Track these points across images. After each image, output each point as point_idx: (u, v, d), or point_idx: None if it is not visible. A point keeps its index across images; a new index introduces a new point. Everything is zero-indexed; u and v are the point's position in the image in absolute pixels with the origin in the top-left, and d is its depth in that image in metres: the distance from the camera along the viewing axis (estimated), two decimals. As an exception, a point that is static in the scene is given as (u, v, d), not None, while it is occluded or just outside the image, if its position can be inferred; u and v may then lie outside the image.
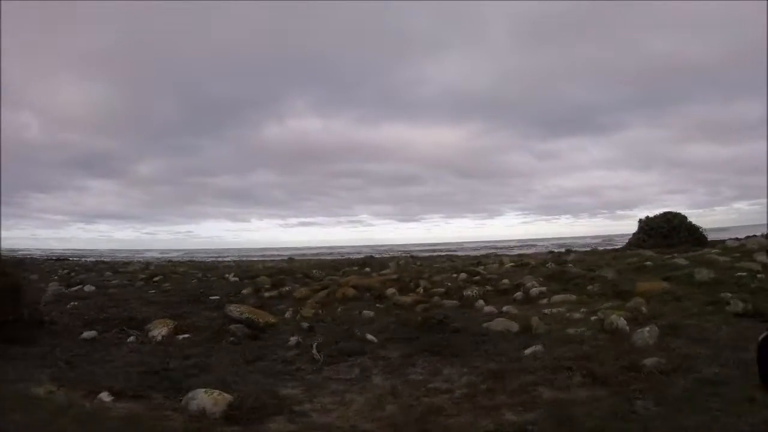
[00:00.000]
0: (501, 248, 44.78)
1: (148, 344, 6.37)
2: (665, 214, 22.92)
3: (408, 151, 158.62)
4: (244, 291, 11.20)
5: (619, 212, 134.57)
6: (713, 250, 11.99)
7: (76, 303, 9.69)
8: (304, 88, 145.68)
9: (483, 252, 33.63)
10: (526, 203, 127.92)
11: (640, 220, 23.28)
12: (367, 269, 15.26)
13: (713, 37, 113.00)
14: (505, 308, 7.89)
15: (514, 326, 6.45)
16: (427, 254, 32.53)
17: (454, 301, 8.87)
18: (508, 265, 13.49)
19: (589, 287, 8.73)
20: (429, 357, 5.38)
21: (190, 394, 3.94)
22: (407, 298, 9.16)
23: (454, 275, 11.52)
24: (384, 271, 13.89)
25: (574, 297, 8.26)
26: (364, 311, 8.19)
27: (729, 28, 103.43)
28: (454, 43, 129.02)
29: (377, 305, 8.94)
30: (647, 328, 5.52)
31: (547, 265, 12.17)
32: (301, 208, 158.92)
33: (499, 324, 6.58)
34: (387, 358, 5.51)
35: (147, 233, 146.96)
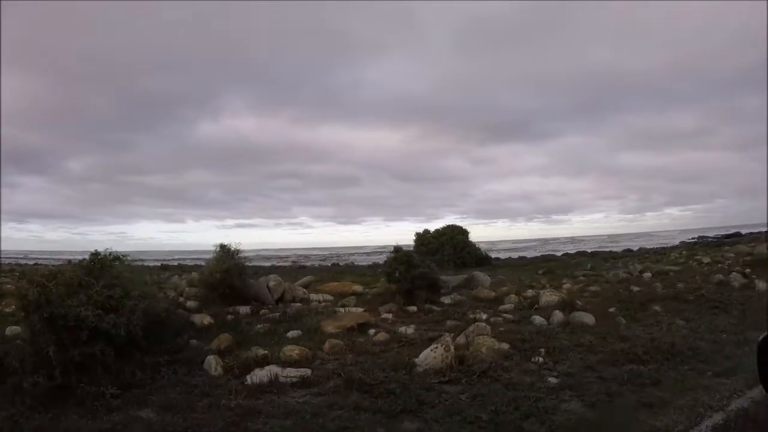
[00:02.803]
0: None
1: None
2: (446, 227, 19.68)
3: (347, 153, 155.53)
4: None
5: (555, 217, 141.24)
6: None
7: None
8: (241, 86, 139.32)
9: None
10: (464, 207, 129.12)
11: (417, 234, 20.10)
12: None
13: (650, 48, 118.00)
14: None
15: None
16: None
17: None
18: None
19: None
20: None
21: None
22: None
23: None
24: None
25: None
26: None
27: (666, 39, 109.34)
28: (393, 47, 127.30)
29: None
30: None
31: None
32: (238, 209, 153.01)
33: None
34: None
35: (78, 234, 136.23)
